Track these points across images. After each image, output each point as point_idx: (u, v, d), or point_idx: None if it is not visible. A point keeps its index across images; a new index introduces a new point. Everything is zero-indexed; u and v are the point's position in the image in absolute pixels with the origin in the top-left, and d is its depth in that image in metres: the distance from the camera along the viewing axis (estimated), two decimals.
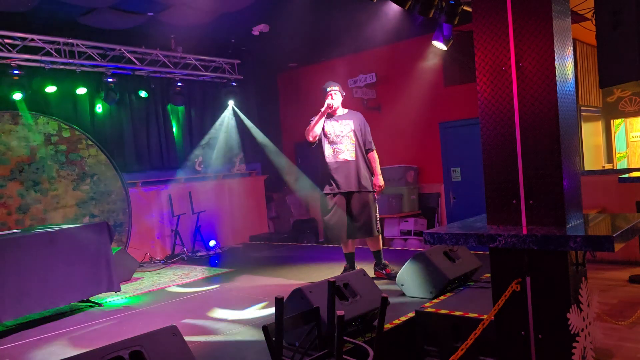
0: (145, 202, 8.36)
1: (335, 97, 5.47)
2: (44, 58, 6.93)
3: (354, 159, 5.39)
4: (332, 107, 5.44)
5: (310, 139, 5.42)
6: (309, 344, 3.08)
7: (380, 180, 5.51)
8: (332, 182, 5.36)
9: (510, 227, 2.73)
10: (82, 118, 7.79)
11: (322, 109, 5.40)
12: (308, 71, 10.52)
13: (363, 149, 5.50)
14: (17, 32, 6.67)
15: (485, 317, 2.66)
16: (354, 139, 5.43)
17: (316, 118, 5.40)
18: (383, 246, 8.47)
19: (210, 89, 9.36)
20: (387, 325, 3.78)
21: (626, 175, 5.62)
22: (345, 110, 5.60)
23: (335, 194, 5.36)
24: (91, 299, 5.42)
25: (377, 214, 5.53)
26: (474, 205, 7.26)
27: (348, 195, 5.37)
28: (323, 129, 5.43)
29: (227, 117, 9.57)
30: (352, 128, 5.45)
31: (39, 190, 6.97)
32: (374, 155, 5.57)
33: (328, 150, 5.41)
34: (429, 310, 3.96)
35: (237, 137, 9.73)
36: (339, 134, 5.41)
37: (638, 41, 3.18)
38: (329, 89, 5.50)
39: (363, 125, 5.56)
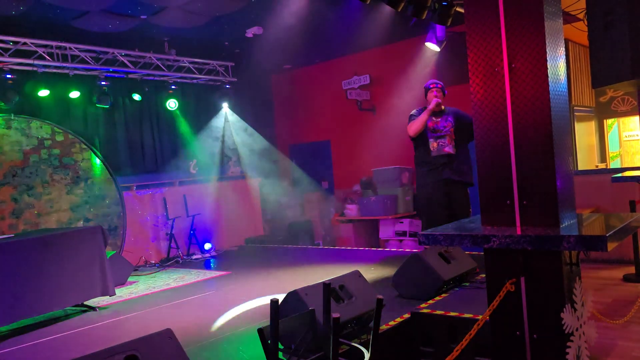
0: (140, 206, 8.34)
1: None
2: (36, 62, 6.90)
3: None
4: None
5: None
6: (304, 346, 3.07)
7: None
8: None
9: (504, 228, 2.73)
10: (75, 122, 7.76)
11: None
12: (302, 73, 10.53)
13: None
14: (9, 35, 6.64)
15: (480, 317, 2.67)
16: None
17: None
18: (378, 247, 8.53)
19: (204, 92, 9.35)
20: (383, 327, 3.78)
21: (619, 175, 5.65)
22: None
23: None
24: (86, 303, 5.38)
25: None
26: None
27: None
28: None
29: (222, 119, 9.56)
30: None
31: (32, 194, 6.93)
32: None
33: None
34: (425, 311, 3.97)
35: (232, 139, 9.71)
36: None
37: (630, 41, 3.20)
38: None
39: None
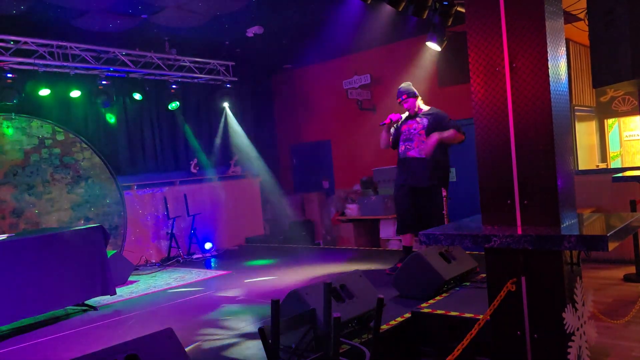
0: (141, 205, 8.34)
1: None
2: (37, 61, 6.90)
3: None
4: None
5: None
6: (305, 345, 3.08)
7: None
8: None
9: (505, 228, 2.73)
10: (76, 121, 7.76)
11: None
12: (302, 73, 10.52)
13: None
14: (10, 35, 6.64)
15: (481, 317, 2.67)
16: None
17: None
18: (378, 247, 8.52)
19: (205, 91, 9.35)
20: (384, 326, 3.78)
21: (620, 175, 5.65)
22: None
23: None
24: (86, 302, 5.39)
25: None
26: (469, 206, 7.26)
27: None
28: None
29: (222, 119, 9.56)
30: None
31: (33, 193, 6.94)
32: None
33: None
34: (425, 310, 3.97)
35: (232, 139, 9.72)
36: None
37: (630, 41, 3.20)
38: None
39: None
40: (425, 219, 5.47)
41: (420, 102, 5.67)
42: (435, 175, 5.47)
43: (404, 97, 5.63)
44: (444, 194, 5.44)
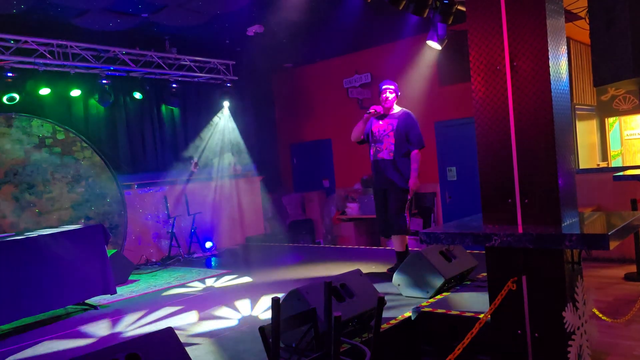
0: (141, 204, 8.33)
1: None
2: (37, 60, 6.89)
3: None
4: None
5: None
6: (305, 345, 3.08)
7: None
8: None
9: (506, 226, 2.73)
10: (76, 120, 7.75)
11: None
12: (303, 71, 10.52)
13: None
14: (10, 34, 6.64)
15: (482, 316, 2.66)
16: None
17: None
18: (379, 246, 8.52)
19: (205, 90, 9.34)
20: (384, 326, 3.79)
21: (621, 174, 5.64)
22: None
23: None
24: (87, 301, 5.39)
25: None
26: (469, 205, 7.27)
27: None
28: None
29: (223, 118, 9.56)
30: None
31: (33, 193, 6.94)
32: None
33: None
34: (426, 309, 3.97)
35: (233, 138, 9.72)
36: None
37: (631, 39, 3.20)
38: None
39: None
40: (391, 217, 5.54)
41: (395, 103, 5.71)
42: (403, 175, 5.51)
43: (389, 90, 5.60)
44: (409, 196, 5.50)
